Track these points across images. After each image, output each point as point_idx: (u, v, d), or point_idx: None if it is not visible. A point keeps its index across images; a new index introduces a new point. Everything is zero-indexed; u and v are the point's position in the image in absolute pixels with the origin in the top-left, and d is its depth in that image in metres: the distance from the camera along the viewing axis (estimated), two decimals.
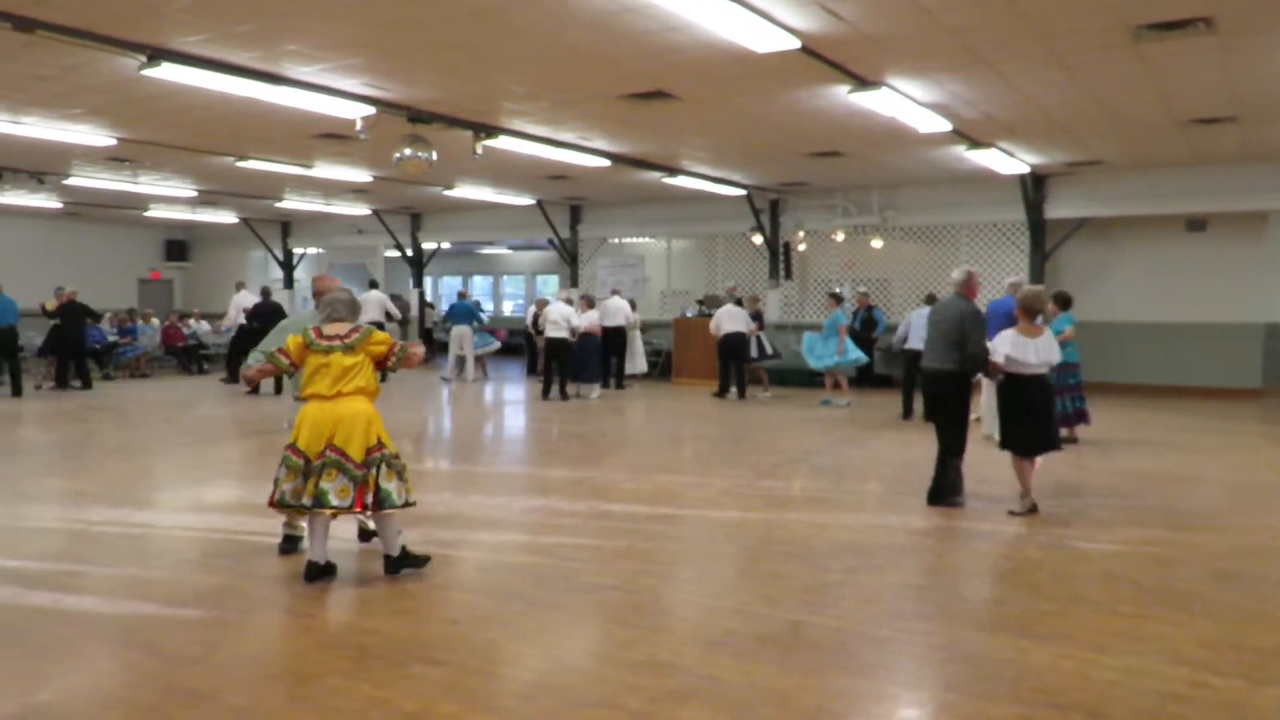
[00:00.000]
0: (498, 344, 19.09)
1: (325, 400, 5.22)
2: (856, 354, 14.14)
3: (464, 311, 17.97)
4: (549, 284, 27.56)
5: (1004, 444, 7.05)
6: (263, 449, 10.13)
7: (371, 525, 5.91)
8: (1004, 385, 7.03)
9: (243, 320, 16.98)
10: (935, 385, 7.27)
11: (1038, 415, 6.90)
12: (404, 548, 5.43)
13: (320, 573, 5.31)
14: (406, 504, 5.30)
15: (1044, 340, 6.91)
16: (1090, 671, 4.04)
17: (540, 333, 15.74)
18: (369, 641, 4.43)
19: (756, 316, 15.35)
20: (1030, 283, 14.77)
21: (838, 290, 15.30)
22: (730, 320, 14.80)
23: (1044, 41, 7.85)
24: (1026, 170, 14.71)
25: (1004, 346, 6.87)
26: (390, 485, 5.19)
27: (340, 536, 6.24)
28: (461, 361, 18.08)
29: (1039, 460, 7.07)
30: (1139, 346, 15.73)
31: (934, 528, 6.63)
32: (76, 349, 16.45)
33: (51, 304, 16.39)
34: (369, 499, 5.17)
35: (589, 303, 16.23)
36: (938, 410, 7.30)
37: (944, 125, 10.91)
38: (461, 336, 17.94)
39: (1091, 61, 8.46)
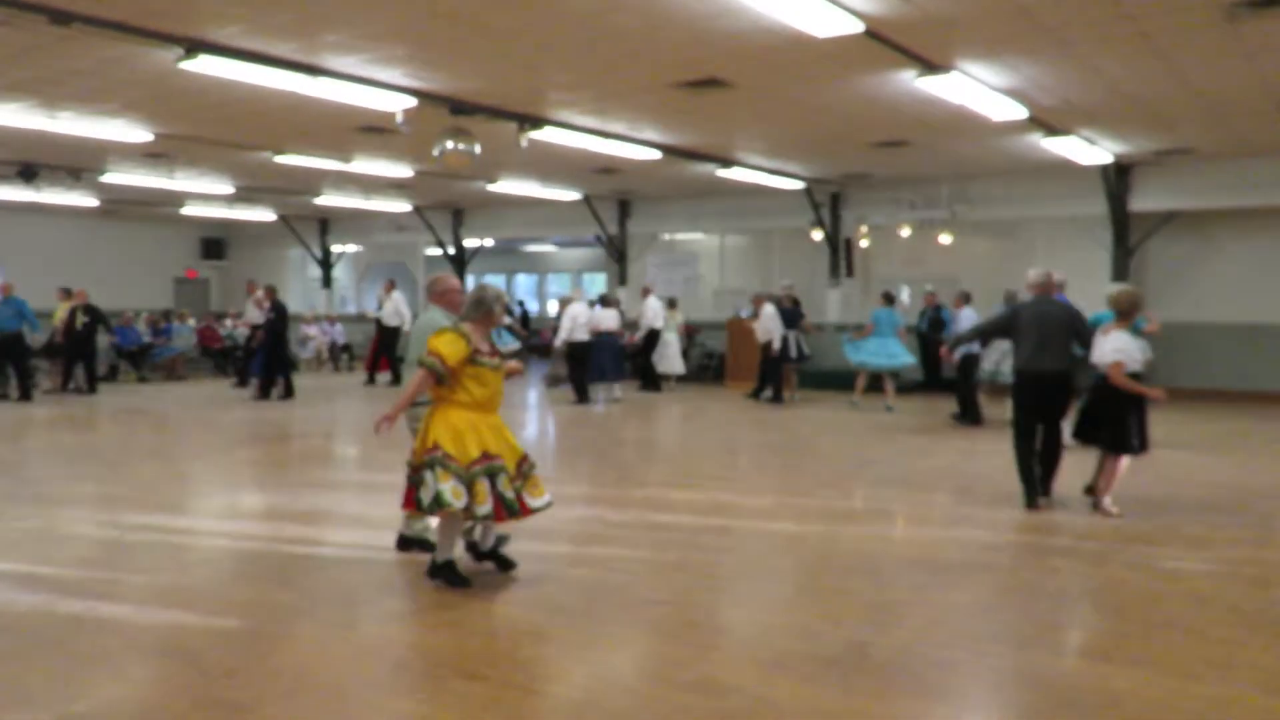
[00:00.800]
0: (517, 345, 19.25)
1: (485, 411, 5.41)
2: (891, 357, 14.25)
3: None
4: (596, 282, 27.64)
5: (1114, 446, 7.24)
6: (291, 456, 10.31)
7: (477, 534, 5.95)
8: (1105, 386, 7.21)
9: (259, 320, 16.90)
10: (1051, 385, 7.53)
11: (1140, 415, 7.21)
12: (450, 560, 5.54)
13: (453, 571, 5.49)
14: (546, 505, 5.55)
15: (1143, 340, 7.55)
16: (1177, 701, 3.95)
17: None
18: (409, 655, 4.49)
19: (795, 316, 15.35)
20: (1113, 281, 14.54)
21: (891, 290, 15.25)
22: (774, 324, 15.00)
23: (1130, 21, 7.70)
24: (1109, 160, 14.44)
25: (1126, 347, 7.12)
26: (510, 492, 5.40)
27: (373, 545, 6.33)
28: None
29: (1124, 461, 7.32)
30: (1225, 349, 15.33)
31: (1008, 543, 6.53)
32: (83, 352, 16.41)
33: (61, 311, 16.36)
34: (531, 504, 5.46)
35: (606, 302, 16.44)
36: (1050, 409, 7.60)
37: (1019, 112, 10.75)
38: None
39: (1182, 42, 8.28)
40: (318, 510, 7.52)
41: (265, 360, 15.55)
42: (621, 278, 20.85)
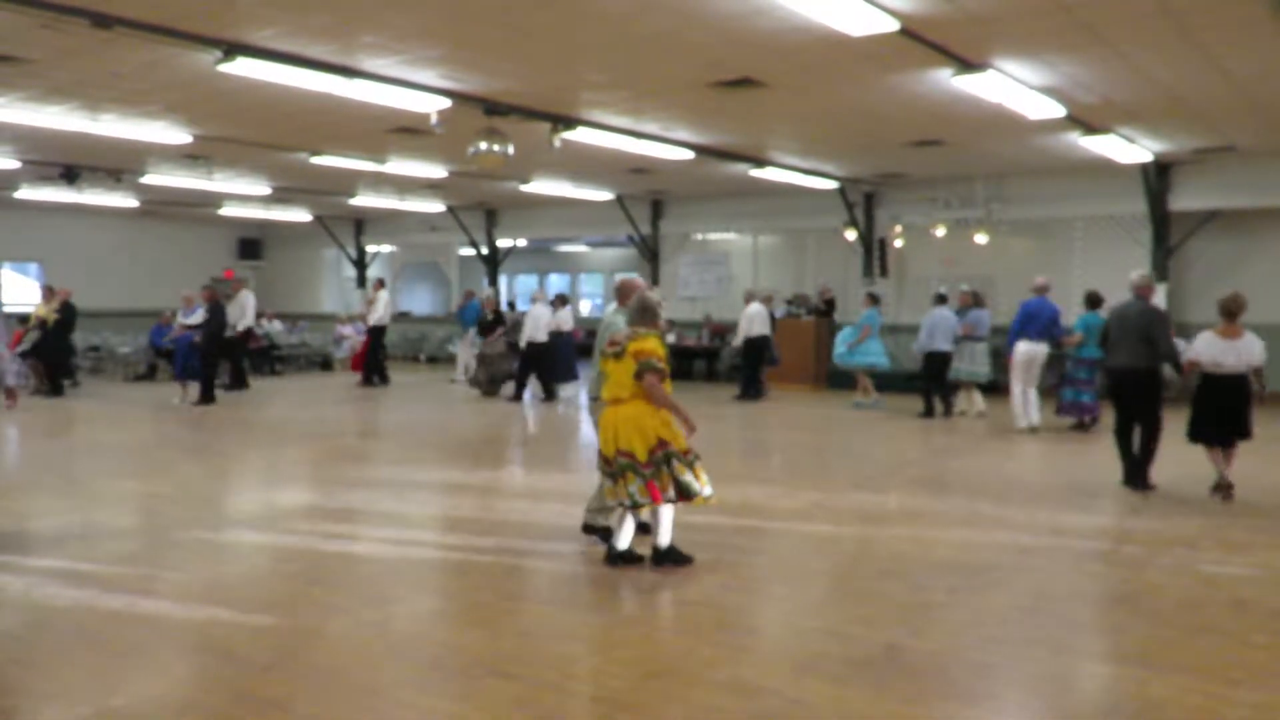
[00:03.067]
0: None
1: (608, 405, 5.75)
2: (873, 359, 14.29)
3: (473, 313, 18.44)
4: None
5: (1192, 436, 7.87)
6: (326, 453, 10.40)
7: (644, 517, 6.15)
8: (1199, 383, 7.81)
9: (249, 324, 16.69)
10: (1132, 381, 8.15)
11: (1227, 411, 7.65)
12: (672, 544, 5.79)
13: (622, 559, 5.82)
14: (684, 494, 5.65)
15: (1244, 342, 7.61)
16: (1219, 708, 3.89)
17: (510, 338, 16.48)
18: (441, 653, 4.52)
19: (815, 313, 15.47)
20: (1147, 280, 14.30)
21: (873, 290, 15.20)
22: (761, 323, 15.22)
23: (1171, 17, 7.58)
24: (1149, 158, 14.23)
25: (1202, 348, 7.68)
26: (687, 478, 5.63)
27: (407, 542, 6.37)
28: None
29: (1238, 446, 7.83)
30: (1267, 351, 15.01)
31: (1045, 546, 6.46)
32: (61, 353, 16.32)
33: (43, 309, 16.06)
34: (668, 493, 5.62)
35: (562, 302, 16.75)
36: (1137, 404, 8.18)
37: (1057, 110, 10.62)
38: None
39: (1225, 38, 8.15)
40: (349, 508, 7.59)
41: (203, 362, 14.69)
42: (654, 277, 20.85)
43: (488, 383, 16.16)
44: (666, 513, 5.75)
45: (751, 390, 15.47)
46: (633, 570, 5.77)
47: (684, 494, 5.63)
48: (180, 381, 14.83)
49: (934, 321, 13.01)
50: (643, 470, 5.56)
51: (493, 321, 16.23)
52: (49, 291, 16.54)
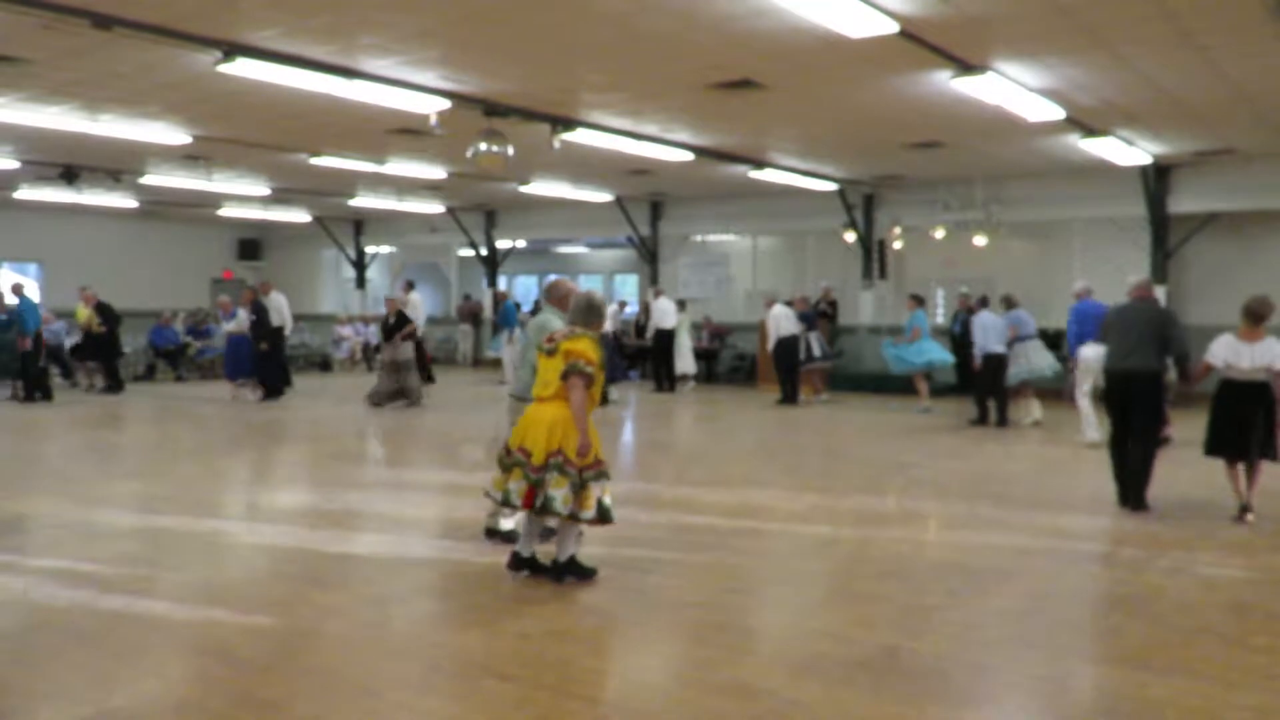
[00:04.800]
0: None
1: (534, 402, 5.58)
2: (932, 356, 14.12)
3: (510, 314, 18.47)
4: (628, 284, 27.68)
5: (1210, 450, 7.30)
6: (323, 456, 10.41)
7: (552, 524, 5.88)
8: (1217, 390, 7.33)
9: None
10: (1137, 385, 7.51)
11: (1247, 422, 7.11)
12: (573, 556, 5.55)
13: (520, 564, 5.62)
14: (572, 516, 5.35)
15: (1263, 346, 7.11)
16: (1219, 710, 3.89)
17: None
18: (439, 655, 4.52)
19: (806, 317, 15.39)
20: (1148, 283, 14.30)
21: (918, 293, 15.12)
22: (788, 322, 15.02)
23: (1171, 21, 7.59)
24: (1148, 160, 14.25)
25: (1220, 350, 7.24)
26: (557, 493, 5.30)
27: (405, 545, 6.37)
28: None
29: (1263, 467, 7.26)
30: None
31: (1043, 548, 6.46)
32: (110, 351, 16.66)
33: (83, 312, 16.34)
34: (538, 502, 5.35)
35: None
36: (1141, 409, 7.51)
37: (1056, 112, 10.63)
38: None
39: (1226, 42, 8.16)
40: (350, 510, 7.59)
41: (267, 360, 15.19)
42: (653, 279, 20.85)
43: (387, 396, 14.23)
44: (570, 528, 5.50)
45: (789, 392, 15.28)
46: (530, 577, 5.58)
47: (603, 516, 5.39)
48: (231, 380, 15.60)
49: (985, 324, 12.55)
50: (530, 473, 5.34)
51: (396, 325, 14.27)
52: (87, 295, 16.72)
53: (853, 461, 10.12)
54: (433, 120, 10.15)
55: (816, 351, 15.41)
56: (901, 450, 10.72)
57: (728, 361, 19.79)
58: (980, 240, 16.82)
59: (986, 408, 12.73)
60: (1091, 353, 10.52)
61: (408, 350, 14.40)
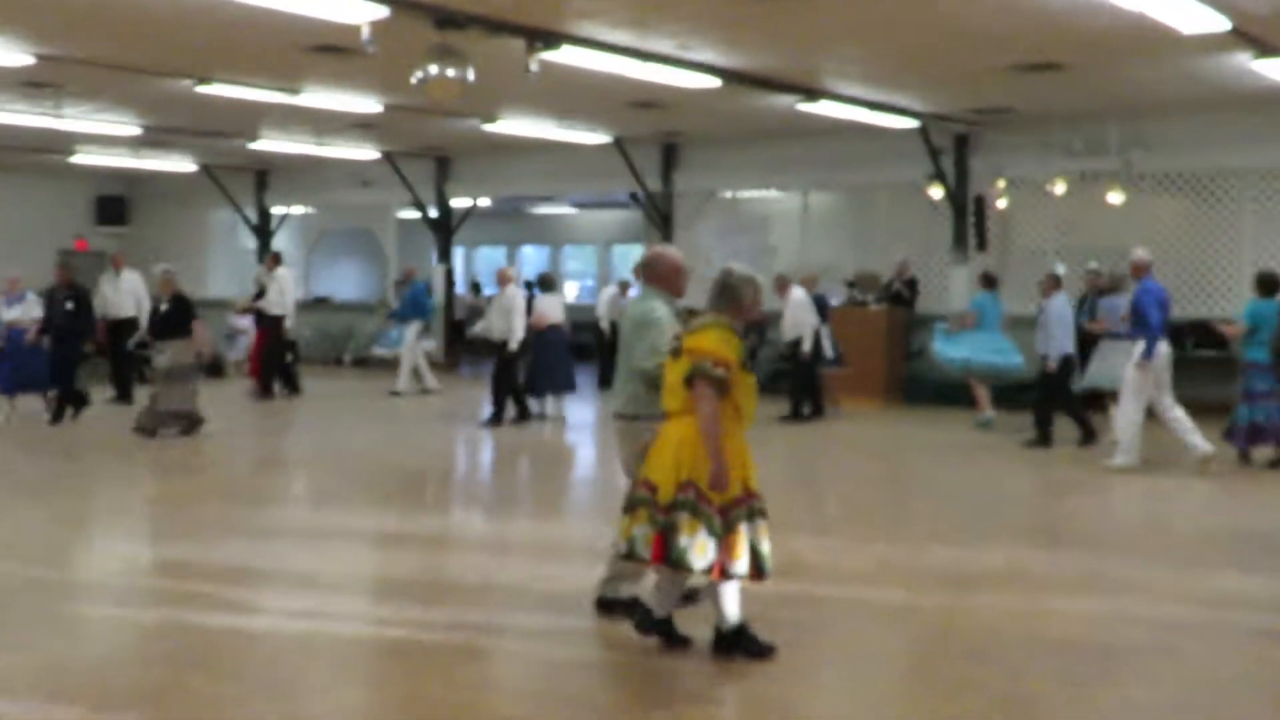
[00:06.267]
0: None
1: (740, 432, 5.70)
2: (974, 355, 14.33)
3: (418, 300, 18.83)
4: (629, 258, 27.65)
5: None
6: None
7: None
8: None
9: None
10: None
11: None
12: (742, 624, 5.64)
13: (656, 630, 5.72)
14: (722, 571, 5.46)
15: None
16: None
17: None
18: None
19: (820, 304, 15.71)
20: None
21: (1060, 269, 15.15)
22: (809, 313, 15.35)
23: None
24: None
25: None
26: (689, 541, 5.37)
27: (323, 614, 6.40)
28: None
29: None
30: None
31: (1200, 621, 6.47)
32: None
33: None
34: (671, 554, 5.43)
35: (548, 286, 16.76)
36: None
37: (1219, 23, 10.63)
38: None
39: None
40: (246, 566, 7.61)
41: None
42: None
43: (161, 417, 13.62)
44: (731, 587, 5.64)
45: (802, 406, 15.52)
46: (672, 652, 5.69)
47: (759, 570, 5.57)
48: (7, 395, 15.34)
49: (1058, 312, 12.85)
50: (658, 514, 5.44)
51: (169, 313, 13.98)
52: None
53: (928, 497, 10.15)
54: (365, 34, 10.18)
55: (829, 353, 15.65)
56: (989, 481, 10.75)
57: (767, 364, 19.63)
58: (1115, 197, 16.81)
59: (1050, 426, 12.82)
60: (1167, 349, 11.03)
61: (187, 354, 14.02)
